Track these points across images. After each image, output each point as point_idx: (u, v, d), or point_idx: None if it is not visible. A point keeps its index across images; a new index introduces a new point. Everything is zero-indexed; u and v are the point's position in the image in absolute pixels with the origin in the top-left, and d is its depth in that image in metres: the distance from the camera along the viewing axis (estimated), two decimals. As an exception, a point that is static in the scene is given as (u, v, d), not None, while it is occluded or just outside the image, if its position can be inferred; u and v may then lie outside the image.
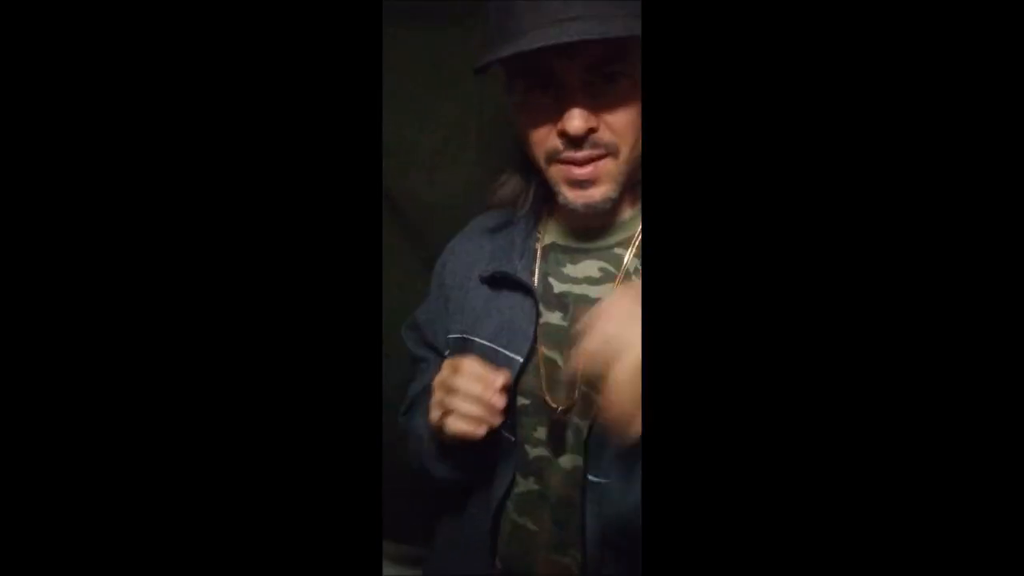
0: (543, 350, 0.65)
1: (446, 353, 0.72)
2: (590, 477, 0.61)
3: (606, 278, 0.65)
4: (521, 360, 0.64)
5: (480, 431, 0.61)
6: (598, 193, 0.61)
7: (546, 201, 0.70)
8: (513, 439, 0.66)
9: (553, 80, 0.58)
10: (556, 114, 0.58)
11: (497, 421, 0.61)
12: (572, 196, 0.62)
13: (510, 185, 0.70)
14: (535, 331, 0.65)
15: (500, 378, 0.60)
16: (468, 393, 0.61)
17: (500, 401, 0.60)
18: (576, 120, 0.57)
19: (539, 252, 0.68)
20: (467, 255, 0.73)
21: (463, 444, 0.63)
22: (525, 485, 0.67)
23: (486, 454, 0.67)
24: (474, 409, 0.60)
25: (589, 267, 0.66)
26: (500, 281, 0.68)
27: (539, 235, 0.69)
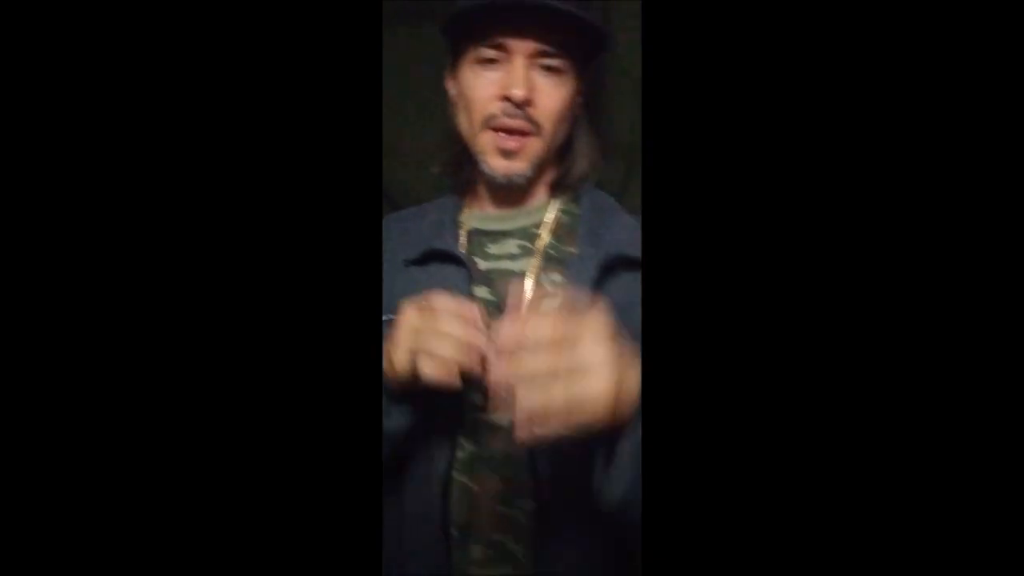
0: None
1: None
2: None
3: (524, 254, 0.73)
4: None
5: (455, 376, 0.59)
6: (519, 167, 0.70)
7: (467, 189, 0.77)
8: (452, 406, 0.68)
9: (503, 54, 0.67)
10: (499, 85, 0.67)
11: (476, 365, 0.59)
12: (496, 164, 0.70)
13: (440, 163, 0.77)
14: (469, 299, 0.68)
15: (477, 312, 0.59)
16: (446, 333, 0.58)
17: (480, 339, 0.58)
18: (519, 88, 0.66)
19: (464, 236, 0.75)
20: (387, 241, 0.75)
21: (420, 389, 0.61)
22: (467, 448, 0.69)
23: (440, 394, 0.65)
24: (452, 351, 0.58)
25: (509, 246, 0.73)
26: (431, 258, 0.72)
27: (461, 223, 0.76)
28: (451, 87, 0.75)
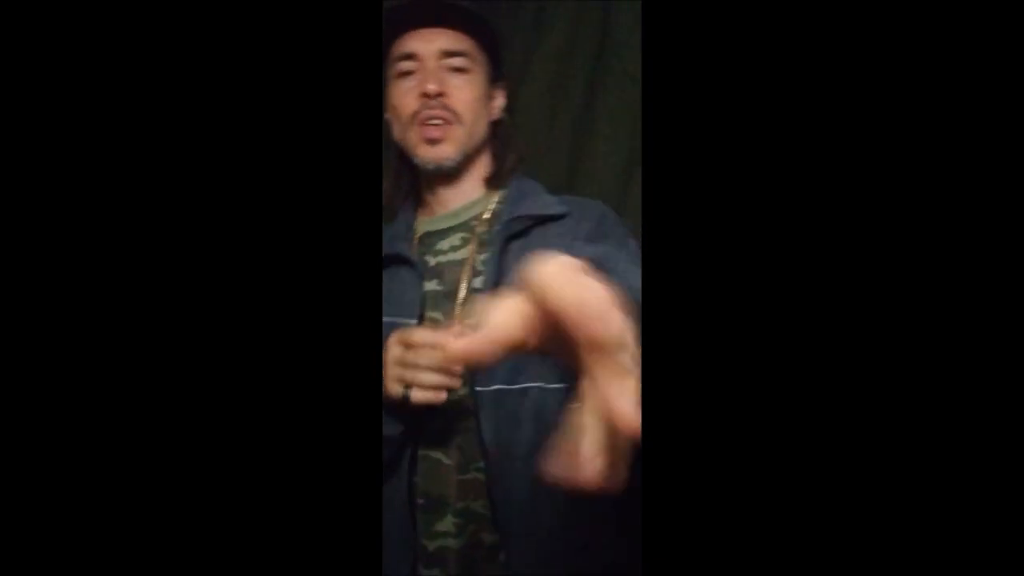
0: (429, 312, 0.80)
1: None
2: (477, 388, 0.74)
3: (464, 244, 0.82)
4: (415, 323, 0.77)
5: (443, 397, 0.70)
6: (444, 151, 0.79)
7: (418, 201, 0.87)
8: (407, 394, 0.74)
9: (416, 59, 0.79)
10: (416, 86, 0.79)
11: (457, 384, 0.70)
12: (424, 153, 0.79)
13: (386, 182, 0.85)
14: (420, 297, 0.79)
15: (456, 342, 0.63)
16: (427, 366, 0.68)
17: (458, 365, 0.68)
18: (431, 83, 0.78)
19: (416, 240, 0.85)
20: None
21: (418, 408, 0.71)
22: (430, 426, 0.78)
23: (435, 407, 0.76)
24: (435, 379, 0.69)
25: (453, 239, 0.83)
26: (390, 262, 0.81)
27: (415, 230, 0.86)
28: (387, 112, 0.84)
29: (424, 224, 0.86)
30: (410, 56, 0.79)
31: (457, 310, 0.78)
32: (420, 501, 0.77)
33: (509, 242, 0.78)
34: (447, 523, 0.77)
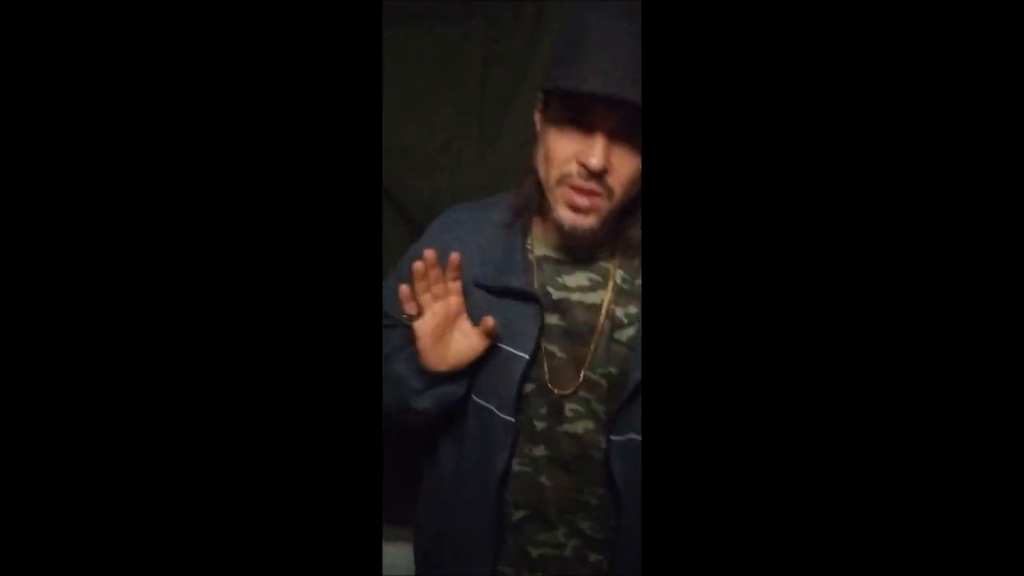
0: (545, 345, 0.79)
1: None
2: (612, 437, 0.77)
3: (594, 286, 0.80)
4: (528, 357, 0.77)
5: (486, 342, 0.77)
6: (588, 222, 0.74)
7: (538, 214, 0.83)
8: (513, 420, 0.78)
9: (589, 121, 0.71)
10: (580, 146, 0.72)
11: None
12: (567, 217, 0.74)
13: (525, 192, 0.81)
14: (539, 333, 0.78)
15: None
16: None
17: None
18: (598, 159, 0.70)
19: (535, 263, 0.81)
20: (461, 248, 0.80)
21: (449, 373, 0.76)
22: (534, 451, 0.81)
23: (465, 375, 0.79)
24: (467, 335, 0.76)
25: (579, 278, 0.80)
26: (506, 293, 0.79)
27: (530, 246, 0.82)
28: (538, 124, 0.78)
29: (542, 245, 0.82)
30: (584, 112, 0.71)
31: (587, 354, 0.78)
32: (524, 513, 0.82)
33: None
34: (557, 535, 0.82)
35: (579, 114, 0.71)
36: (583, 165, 0.71)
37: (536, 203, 0.80)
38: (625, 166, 0.72)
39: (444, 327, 0.76)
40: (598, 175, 0.71)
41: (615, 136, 0.71)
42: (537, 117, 0.78)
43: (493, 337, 0.77)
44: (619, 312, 0.79)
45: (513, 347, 0.78)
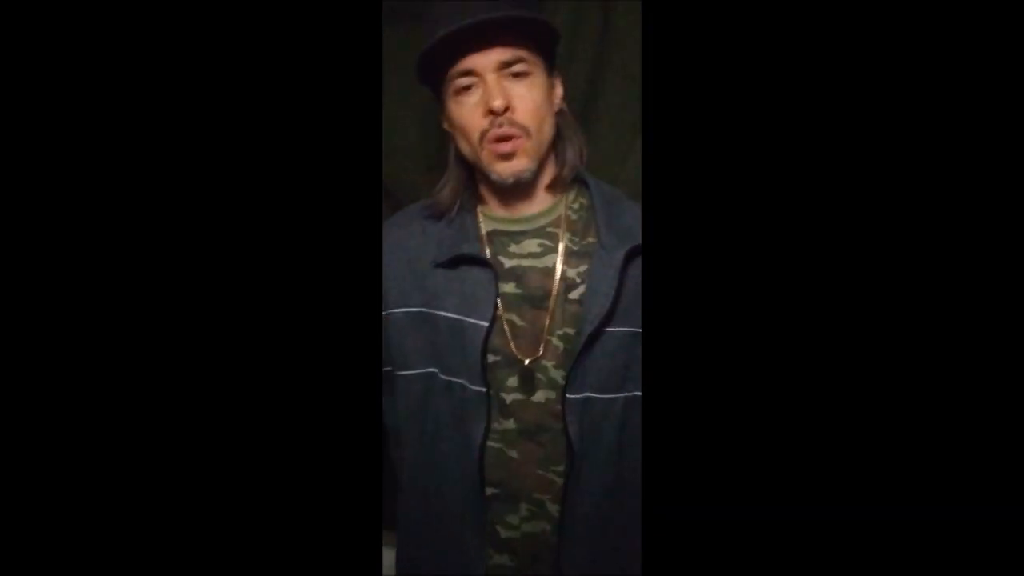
0: (504, 314, 0.82)
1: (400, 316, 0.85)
2: (568, 395, 0.78)
3: (545, 251, 0.83)
4: (487, 324, 0.79)
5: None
6: (520, 164, 0.79)
7: (476, 197, 0.87)
8: (485, 390, 0.80)
9: (475, 75, 0.77)
10: (480, 104, 0.78)
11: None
12: (501, 169, 0.79)
13: (448, 189, 0.86)
14: (496, 299, 0.80)
15: None
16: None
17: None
18: (497, 99, 0.76)
19: (485, 237, 0.84)
20: (408, 239, 0.86)
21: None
22: (504, 424, 0.81)
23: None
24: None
25: (530, 245, 0.83)
26: (458, 262, 0.82)
27: (479, 226, 0.85)
28: (445, 124, 0.84)
29: (490, 221, 0.86)
30: (468, 72, 0.78)
31: (546, 318, 0.80)
32: (495, 491, 0.82)
33: (629, 260, 0.80)
34: (521, 511, 0.82)
35: (462, 76, 0.77)
36: (489, 112, 0.76)
37: (469, 187, 0.86)
38: (525, 100, 0.78)
39: None
40: (505, 113, 0.76)
41: (501, 74, 0.77)
42: (443, 121, 0.84)
43: None
44: (571, 273, 0.81)
45: (473, 317, 0.80)
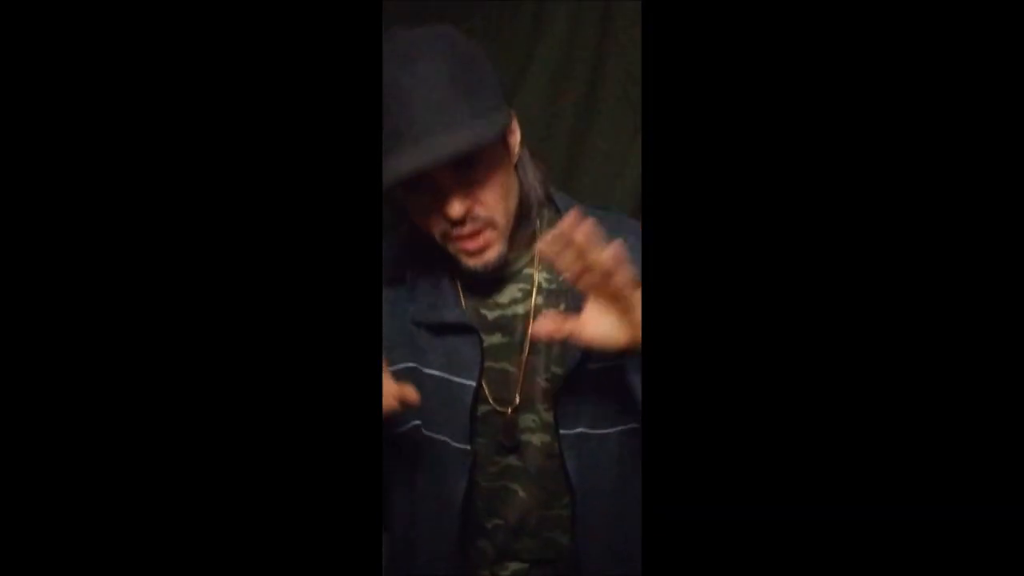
0: (495, 364, 0.79)
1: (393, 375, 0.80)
2: (562, 431, 0.77)
3: (526, 296, 0.80)
4: (474, 385, 0.78)
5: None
6: (490, 256, 0.73)
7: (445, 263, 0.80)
8: (468, 448, 0.78)
9: (429, 181, 0.69)
10: (438, 203, 0.70)
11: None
12: (471, 263, 0.74)
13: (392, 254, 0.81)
14: (481, 361, 0.78)
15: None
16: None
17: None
18: (456, 207, 0.69)
19: (463, 294, 0.80)
20: (393, 290, 0.81)
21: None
22: (503, 463, 0.81)
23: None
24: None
25: (511, 292, 0.80)
26: (441, 328, 0.80)
27: (456, 282, 0.81)
28: (402, 209, 0.77)
29: (462, 275, 0.80)
30: (423, 177, 0.69)
31: (534, 361, 0.78)
32: (498, 522, 0.82)
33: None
34: (532, 545, 0.82)
35: (418, 182, 0.69)
36: (447, 219, 0.70)
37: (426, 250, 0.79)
38: (488, 191, 0.71)
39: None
40: (465, 219, 0.70)
41: (459, 174, 0.69)
42: (392, 204, 0.77)
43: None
44: (539, 301, 0.79)
45: (460, 377, 0.78)
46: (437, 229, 0.73)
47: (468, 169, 0.69)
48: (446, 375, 0.79)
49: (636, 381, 0.69)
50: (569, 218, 0.60)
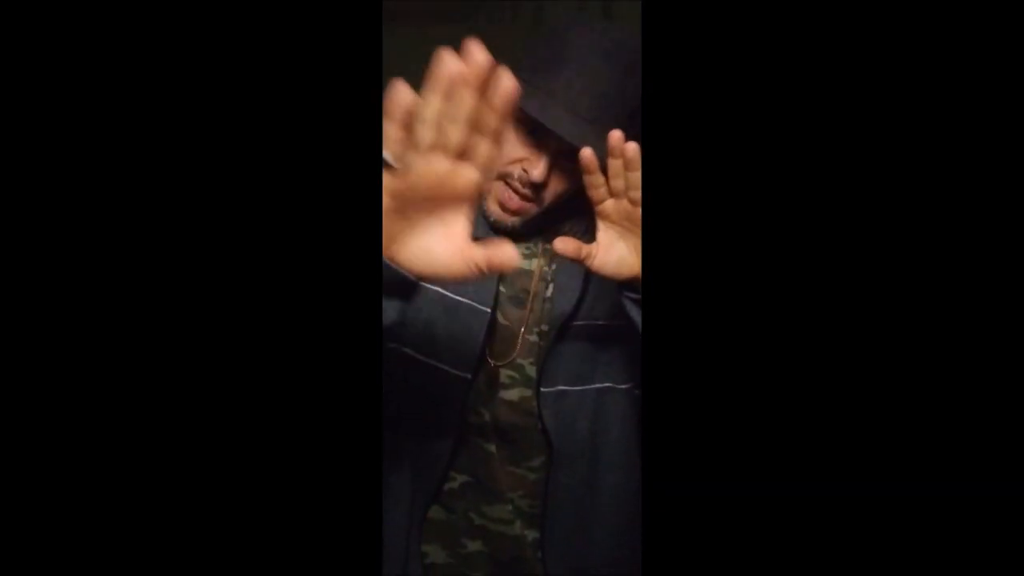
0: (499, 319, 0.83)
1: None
2: (543, 389, 0.80)
3: (530, 255, 0.84)
4: (489, 311, 0.79)
5: None
6: (512, 221, 0.80)
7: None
8: (469, 377, 0.80)
9: (542, 133, 0.74)
10: (526, 153, 0.76)
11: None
12: (494, 211, 0.80)
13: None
14: (498, 286, 0.81)
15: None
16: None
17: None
18: (539, 173, 0.75)
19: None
20: None
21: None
22: (482, 418, 0.82)
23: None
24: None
25: (518, 248, 0.82)
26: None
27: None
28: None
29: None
30: (532, 130, 0.75)
31: (527, 317, 0.81)
32: (468, 479, 0.83)
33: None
34: (502, 511, 0.83)
35: (534, 124, 0.74)
36: (525, 171, 0.75)
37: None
38: (559, 184, 0.77)
39: None
40: (535, 186, 0.76)
41: (559, 156, 0.75)
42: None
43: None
44: (548, 271, 0.83)
45: (476, 303, 0.80)
46: (502, 168, 0.77)
47: (566, 156, 0.74)
48: (459, 296, 0.81)
49: (636, 315, 0.73)
50: (617, 133, 0.63)
